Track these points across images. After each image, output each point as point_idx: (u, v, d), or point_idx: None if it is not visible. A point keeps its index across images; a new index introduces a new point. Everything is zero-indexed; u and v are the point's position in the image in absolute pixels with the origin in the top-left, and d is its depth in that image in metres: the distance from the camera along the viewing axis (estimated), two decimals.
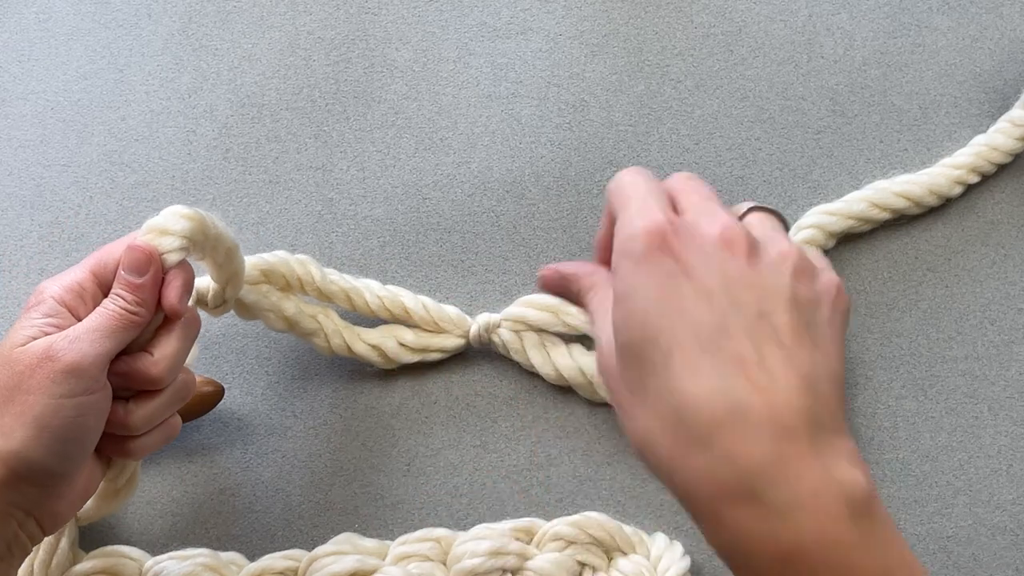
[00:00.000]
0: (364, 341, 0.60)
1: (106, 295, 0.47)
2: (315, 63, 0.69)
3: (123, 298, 0.47)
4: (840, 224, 0.63)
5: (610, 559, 0.57)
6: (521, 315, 0.59)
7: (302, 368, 0.62)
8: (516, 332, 0.59)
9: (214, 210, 0.65)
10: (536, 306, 0.59)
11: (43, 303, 0.47)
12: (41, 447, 0.44)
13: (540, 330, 0.60)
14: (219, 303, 0.56)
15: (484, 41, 0.70)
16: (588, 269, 0.43)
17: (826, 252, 0.63)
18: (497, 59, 0.69)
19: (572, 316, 0.58)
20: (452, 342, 0.60)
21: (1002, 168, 0.66)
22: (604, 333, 0.39)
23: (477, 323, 0.60)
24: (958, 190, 0.65)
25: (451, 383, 0.62)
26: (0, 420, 0.44)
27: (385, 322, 0.61)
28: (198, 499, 0.60)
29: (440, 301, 0.63)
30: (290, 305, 0.58)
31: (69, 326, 0.46)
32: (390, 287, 0.61)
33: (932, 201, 0.64)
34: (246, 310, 0.58)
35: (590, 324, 0.42)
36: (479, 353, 0.62)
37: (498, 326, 0.60)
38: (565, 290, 0.44)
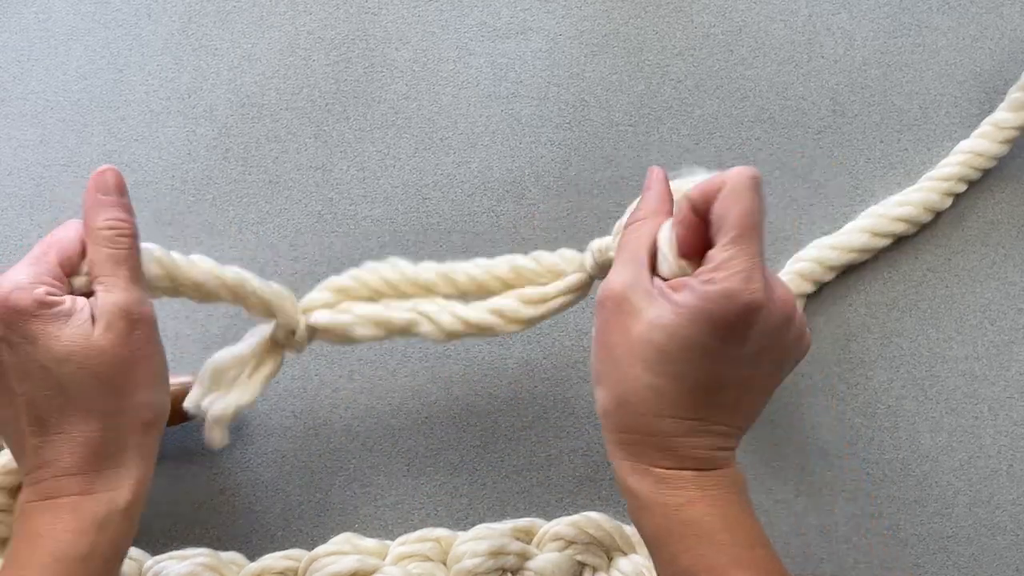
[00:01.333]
0: (479, 308, 0.55)
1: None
2: (315, 63, 0.69)
3: (124, 221, 0.49)
4: (842, 258, 0.63)
5: (610, 559, 0.57)
6: None
7: (302, 368, 0.62)
8: None
9: (214, 210, 0.65)
10: None
11: (62, 303, 0.46)
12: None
13: None
14: (287, 340, 0.54)
15: (484, 41, 0.70)
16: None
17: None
18: (497, 59, 0.69)
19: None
20: (573, 280, 0.55)
21: (1002, 168, 0.66)
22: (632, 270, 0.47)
23: (590, 250, 0.55)
24: (949, 202, 0.65)
25: (451, 383, 0.62)
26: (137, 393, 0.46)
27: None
28: (198, 499, 0.60)
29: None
30: (372, 308, 0.54)
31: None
32: (496, 259, 0.56)
33: (927, 218, 0.64)
34: (330, 334, 0.54)
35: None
36: (479, 349, 0.62)
37: (611, 249, 0.54)
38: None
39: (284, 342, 0.54)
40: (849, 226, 0.64)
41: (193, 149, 0.67)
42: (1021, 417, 0.61)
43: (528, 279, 0.55)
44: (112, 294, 0.46)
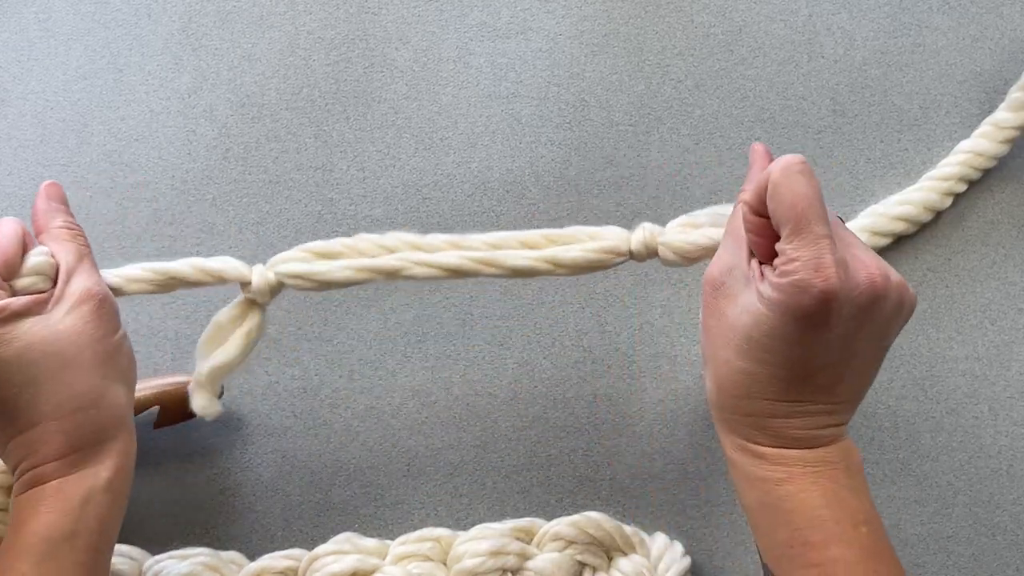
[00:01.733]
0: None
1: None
2: (315, 63, 0.69)
3: (77, 225, 0.52)
4: None
5: (610, 559, 0.57)
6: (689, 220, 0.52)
7: (302, 368, 0.62)
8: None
9: (214, 210, 0.65)
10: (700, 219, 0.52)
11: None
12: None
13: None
14: (251, 293, 0.54)
15: (484, 41, 0.70)
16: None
17: None
18: (497, 59, 0.69)
19: None
20: (608, 243, 0.52)
21: (1002, 168, 0.66)
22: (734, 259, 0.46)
23: (642, 227, 0.53)
24: (949, 202, 0.65)
25: (451, 383, 0.62)
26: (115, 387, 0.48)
27: None
28: (198, 499, 0.60)
29: (439, 301, 0.63)
30: (351, 260, 0.53)
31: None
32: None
33: (927, 218, 0.64)
34: (300, 280, 0.53)
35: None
36: (479, 349, 0.62)
37: (662, 235, 0.52)
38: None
39: (252, 295, 0.54)
40: (849, 225, 0.64)
41: (193, 149, 0.67)
42: (1021, 417, 0.61)
43: (562, 244, 0.53)
44: (79, 279, 0.49)
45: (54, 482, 0.46)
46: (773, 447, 0.45)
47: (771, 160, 0.49)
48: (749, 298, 0.44)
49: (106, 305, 0.49)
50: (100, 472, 0.47)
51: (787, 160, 0.43)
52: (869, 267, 0.43)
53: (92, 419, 0.47)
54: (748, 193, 0.46)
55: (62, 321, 0.47)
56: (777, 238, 0.44)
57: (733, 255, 0.46)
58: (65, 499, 0.45)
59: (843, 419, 0.46)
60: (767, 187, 0.44)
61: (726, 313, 0.45)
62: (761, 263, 0.45)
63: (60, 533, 0.45)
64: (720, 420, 0.47)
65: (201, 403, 0.55)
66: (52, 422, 0.46)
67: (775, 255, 0.44)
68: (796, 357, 0.44)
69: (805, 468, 0.45)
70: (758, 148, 0.51)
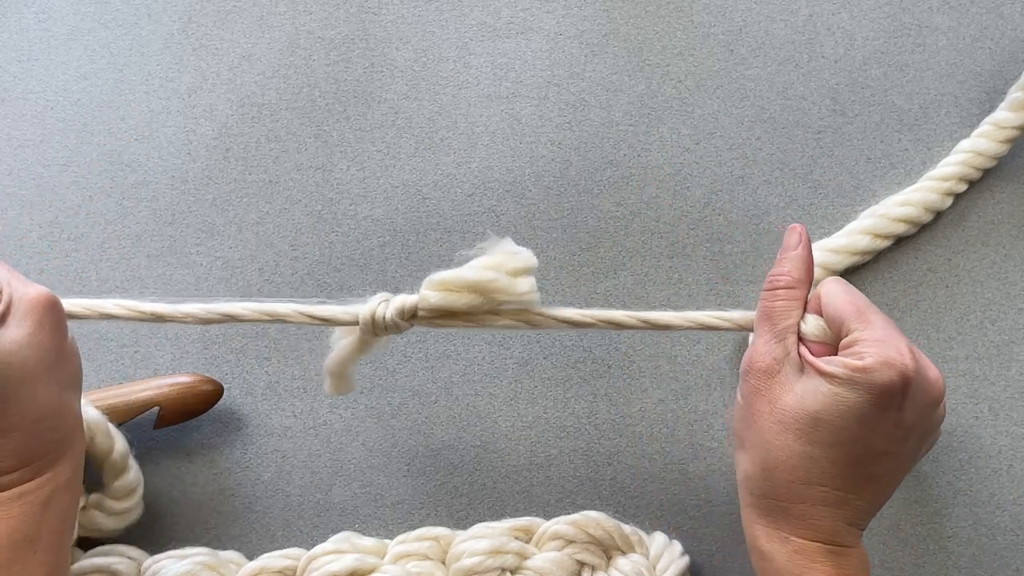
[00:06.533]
0: None
1: None
2: (315, 63, 0.69)
3: None
4: (844, 262, 0.63)
5: (609, 558, 0.57)
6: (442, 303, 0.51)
7: (302, 368, 0.62)
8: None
9: (213, 210, 0.65)
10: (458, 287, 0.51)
11: None
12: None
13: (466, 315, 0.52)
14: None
15: (484, 41, 0.70)
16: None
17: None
18: (497, 59, 0.69)
19: (504, 294, 0.51)
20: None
21: (1002, 168, 0.66)
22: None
23: (393, 306, 0.52)
24: (949, 202, 0.65)
25: (451, 383, 0.62)
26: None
27: None
28: (198, 499, 0.60)
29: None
30: None
31: None
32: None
33: (927, 218, 0.64)
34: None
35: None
36: (479, 349, 0.62)
37: (413, 315, 0.51)
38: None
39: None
40: (850, 227, 0.64)
41: (193, 149, 0.67)
42: (1021, 417, 0.61)
43: None
44: (21, 288, 0.47)
45: (15, 489, 0.46)
46: (810, 540, 0.46)
47: (810, 246, 0.51)
48: (812, 383, 0.46)
49: (55, 310, 0.47)
50: (59, 475, 0.47)
51: (826, 281, 0.49)
52: (936, 373, 0.47)
53: (54, 428, 0.47)
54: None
55: (16, 333, 0.45)
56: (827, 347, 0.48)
57: (779, 345, 0.48)
58: (26, 504, 0.45)
59: (865, 524, 0.48)
60: (818, 302, 0.48)
61: (781, 398, 0.47)
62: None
63: (23, 537, 0.45)
64: (757, 507, 0.48)
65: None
66: (15, 434, 0.45)
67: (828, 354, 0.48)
68: (861, 439, 0.46)
69: (838, 571, 0.46)
70: (799, 233, 0.52)
